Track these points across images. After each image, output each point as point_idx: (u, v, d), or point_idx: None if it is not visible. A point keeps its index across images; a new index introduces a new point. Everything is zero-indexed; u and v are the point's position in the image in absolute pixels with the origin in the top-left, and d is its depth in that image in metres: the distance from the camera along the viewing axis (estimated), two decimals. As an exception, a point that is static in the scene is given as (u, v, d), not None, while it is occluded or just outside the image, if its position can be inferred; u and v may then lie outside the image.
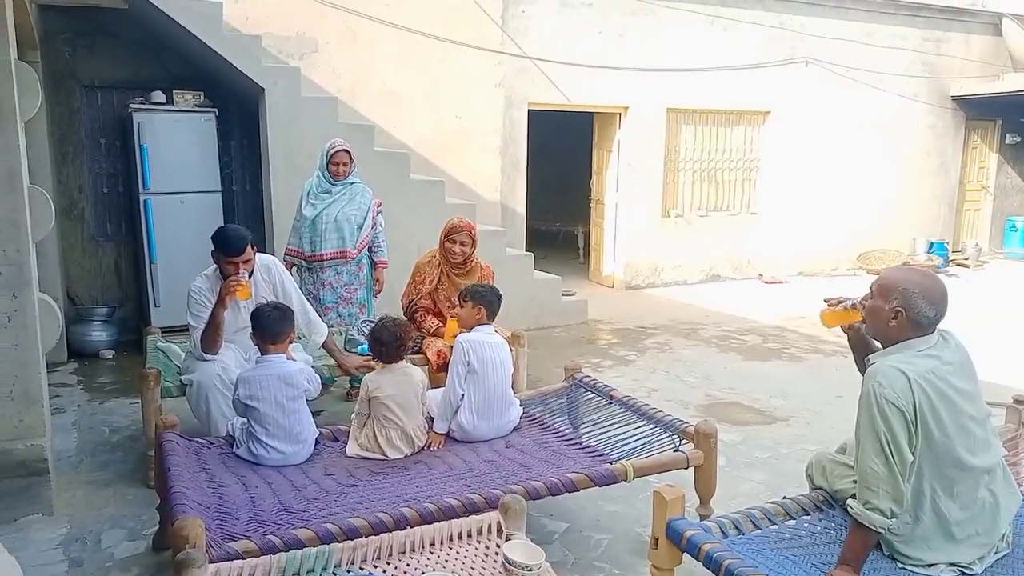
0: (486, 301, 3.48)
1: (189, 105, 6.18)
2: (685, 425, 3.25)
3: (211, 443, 3.22)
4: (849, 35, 9.91)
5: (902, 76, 10.45)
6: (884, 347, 2.41)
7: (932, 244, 10.91)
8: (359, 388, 5.08)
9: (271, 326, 3.22)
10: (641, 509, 3.56)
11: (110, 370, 5.83)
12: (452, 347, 4.09)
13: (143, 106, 6.01)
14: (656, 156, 8.99)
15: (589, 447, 3.27)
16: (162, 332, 4.90)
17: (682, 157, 9.29)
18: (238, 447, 3.17)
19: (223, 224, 6.23)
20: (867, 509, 2.20)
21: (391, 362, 3.28)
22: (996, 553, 2.35)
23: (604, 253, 9.28)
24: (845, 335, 2.68)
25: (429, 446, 3.30)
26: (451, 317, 4.10)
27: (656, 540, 2.39)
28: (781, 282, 9.66)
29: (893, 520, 2.21)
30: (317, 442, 3.31)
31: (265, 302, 3.43)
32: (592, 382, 3.85)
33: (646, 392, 5.22)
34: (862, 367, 2.64)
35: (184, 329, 5.25)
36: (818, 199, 10.13)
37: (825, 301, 2.69)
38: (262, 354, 3.20)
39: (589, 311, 7.48)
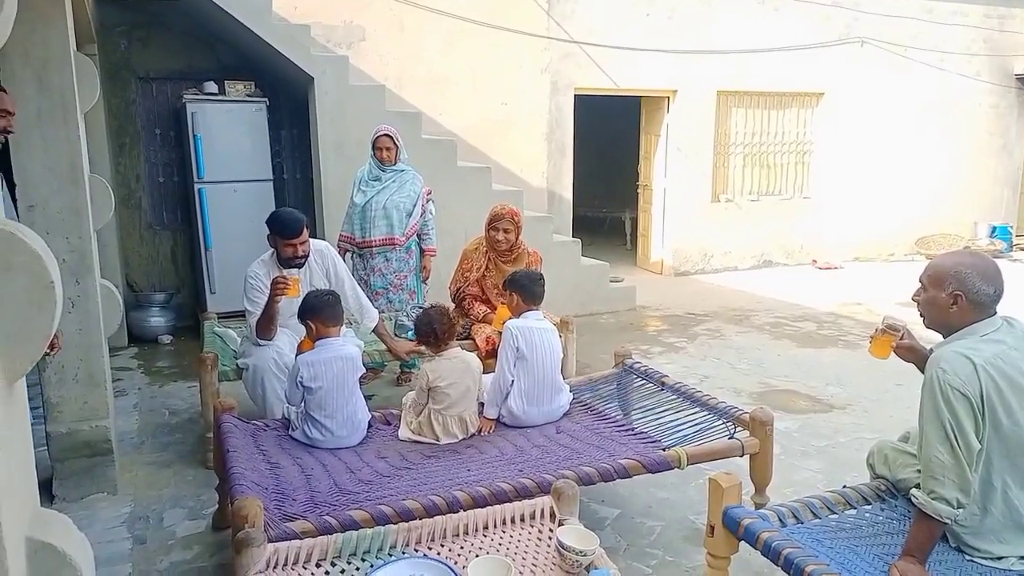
0: (518, 286, 3.48)
1: (240, 95, 6.27)
2: (740, 412, 3.20)
3: (267, 425, 3.27)
4: (906, 12, 9.58)
5: (963, 54, 10.08)
6: (946, 337, 2.33)
7: (995, 228, 10.53)
8: (409, 373, 5.19)
9: (331, 310, 3.26)
10: (693, 496, 3.53)
11: (168, 355, 5.98)
12: (501, 333, 4.13)
13: (196, 97, 6.12)
14: (706, 140, 8.84)
15: (641, 433, 3.23)
16: (218, 317, 5.01)
17: (732, 141, 9.12)
18: (293, 430, 3.22)
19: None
20: (932, 499, 2.14)
21: (442, 349, 3.29)
22: (1069, 546, 2.25)
23: (652, 239, 9.18)
24: (901, 359, 2.61)
25: (480, 431, 3.31)
26: (500, 304, 4.09)
27: (712, 528, 2.35)
28: (836, 268, 9.43)
29: (960, 510, 2.14)
30: (370, 425, 3.34)
31: (317, 288, 3.45)
32: (643, 368, 3.81)
33: (697, 379, 5.16)
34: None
35: (239, 315, 5.39)
36: (874, 183, 9.85)
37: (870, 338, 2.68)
38: (319, 338, 3.22)
39: (637, 297, 7.42)
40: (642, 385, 3.75)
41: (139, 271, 6.70)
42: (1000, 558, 2.21)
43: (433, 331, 3.25)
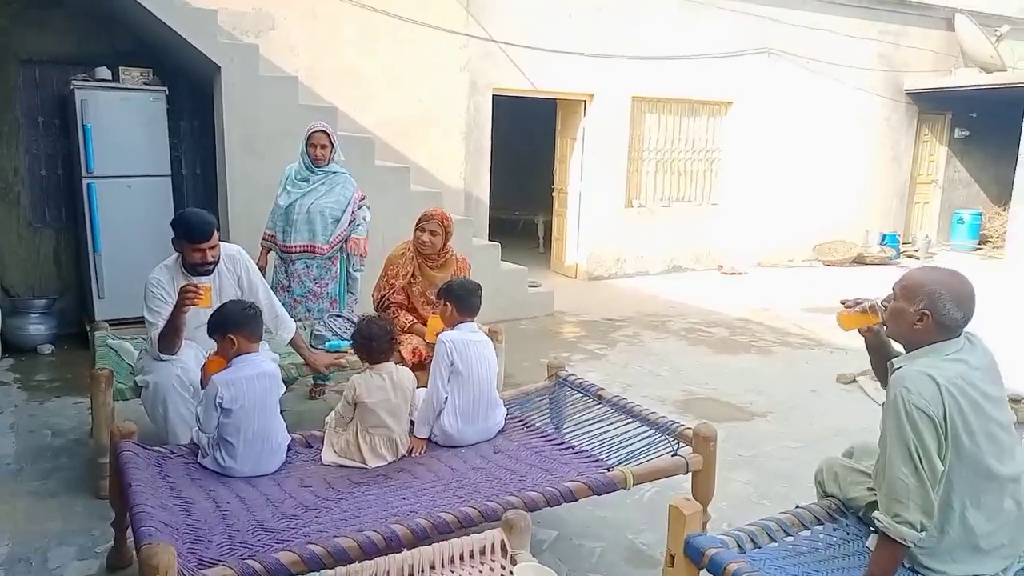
0: (454, 296, 3.29)
1: (137, 83, 5.79)
2: (682, 427, 3.11)
3: (173, 452, 2.94)
4: (811, 25, 9.92)
5: (861, 69, 10.54)
6: (908, 350, 2.29)
7: (884, 236, 11.08)
8: (323, 386, 4.88)
9: (255, 324, 2.97)
10: (632, 515, 3.42)
11: (50, 366, 5.44)
12: (432, 345, 3.91)
13: (87, 83, 5.60)
14: (620, 145, 8.87)
15: (582, 452, 3.10)
16: (110, 326, 4.56)
17: (645, 147, 9.19)
18: (203, 456, 2.91)
19: (178, 210, 5.89)
20: (896, 523, 2.08)
21: (379, 362, 3.05)
22: (1020, 563, 2.26)
23: (567, 243, 9.14)
24: (862, 336, 2.56)
25: (411, 452, 3.09)
26: (433, 314, 3.87)
27: (672, 557, 2.23)
28: (740, 273, 9.66)
29: (923, 533, 2.09)
30: (289, 448, 3.07)
31: (233, 299, 3.13)
32: (578, 381, 3.68)
33: (621, 387, 5.08)
34: (880, 370, 2.54)
35: (132, 322, 4.96)
36: (776, 191, 10.16)
37: (842, 303, 2.56)
38: (238, 354, 2.91)
39: (555, 303, 7.33)
40: (578, 399, 3.62)
41: (16, 273, 6.07)
42: (953, 578, 2.19)
43: (370, 347, 3.01)
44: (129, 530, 2.50)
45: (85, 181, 5.59)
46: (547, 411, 3.67)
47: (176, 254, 3.55)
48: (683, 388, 5.20)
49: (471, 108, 7.79)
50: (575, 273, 9.04)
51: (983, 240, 11.99)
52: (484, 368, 3.21)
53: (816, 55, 10.02)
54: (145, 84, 5.81)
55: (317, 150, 4.58)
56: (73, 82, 5.57)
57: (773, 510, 3.48)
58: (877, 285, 9.15)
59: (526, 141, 11.13)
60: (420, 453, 3.10)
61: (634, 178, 9.15)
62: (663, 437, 3.13)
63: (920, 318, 2.21)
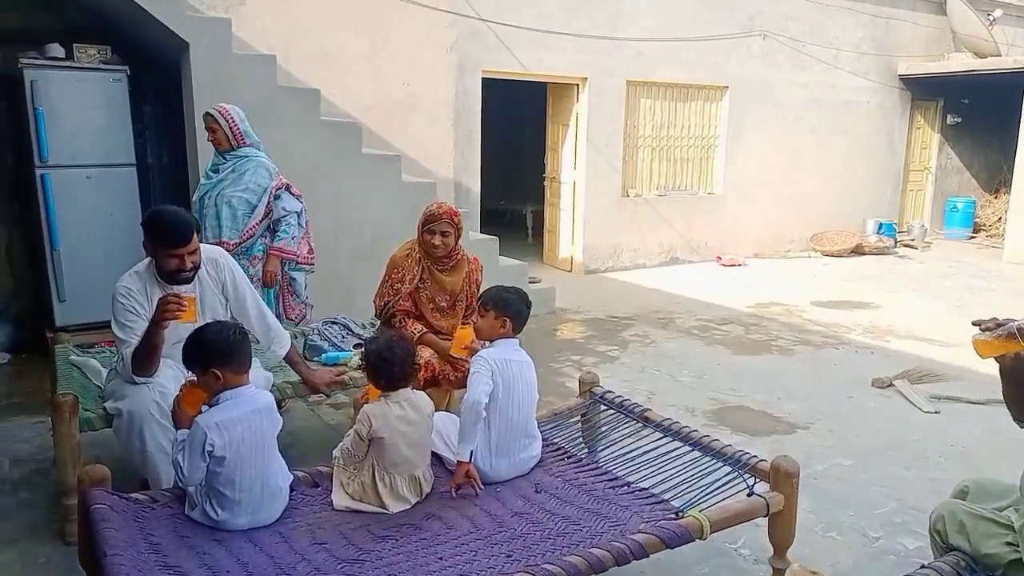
0: (513, 311, 2.81)
1: (94, 62, 5.16)
2: (755, 459, 2.68)
3: (155, 501, 2.43)
4: (804, 8, 9.55)
5: (854, 53, 10.23)
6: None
7: (881, 225, 10.81)
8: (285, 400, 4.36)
9: (242, 353, 2.43)
10: (689, 555, 2.98)
11: (6, 378, 4.87)
12: (455, 359, 3.44)
13: (36, 62, 4.96)
14: (616, 132, 8.43)
15: (638, 489, 2.64)
16: (71, 335, 4.01)
17: (641, 134, 8.75)
18: (191, 508, 2.40)
19: (145, 204, 5.33)
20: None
21: (397, 388, 2.56)
22: None
23: (560, 235, 8.68)
24: (998, 364, 2.12)
25: (458, 488, 2.58)
26: (463, 325, 3.39)
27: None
28: (739, 264, 9.30)
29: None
30: (292, 488, 2.58)
31: (212, 320, 2.59)
32: (617, 399, 3.23)
33: (643, 396, 4.66)
34: (1018, 400, 2.12)
35: (100, 327, 4.37)
36: (772, 179, 9.82)
37: (975, 324, 2.12)
38: (224, 389, 2.40)
39: (555, 299, 6.89)
40: (617, 419, 3.17)
41: (-37, 274, 5.45)
42: None
43: (391, 373, 2.52)
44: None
45: (39, 171, 4.98)
46: (582, 436, 3.22)
47: (148, 259, 3.01)
48: (710, 395, 4.78)
49: (460, 92, 7.26)
50: (570, 266, 8.59)
51: (977, 228, 11.80)
52: (526, 394, 2.74)
53: (809, 39, 9.66)
54: (103, 63, 5.19)
55: (208, 135, 4.05)
56: (21, 61, 4.93)
57: (846, 545, 3.10)
58: (880, 276, 8.96)
59: (513, 127, 10.64)
60: (469, 483, 2.58)
61: (630, 166, 8.72)
62: (731, 470, 2.69)
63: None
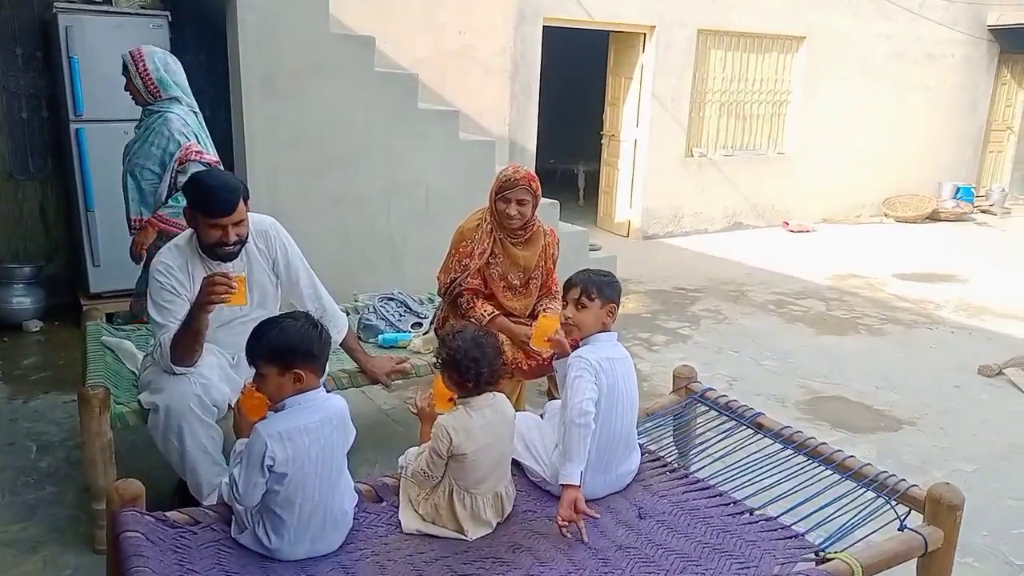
0: (619, 297, 2.39)
1: (133, 6, 4.76)
2: (907, 485, 2.24)
3: (196, 523, 2.07)
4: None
5: (943, 1, 9.39)
6: None
7: (959, 189, 10.08)
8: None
9: (326, 351, 2.06)
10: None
11: (38, 348, 4.57)
12: (527, 352, 3.03)
13: (71, 6, 4.58)
14: (683, 86, 7.83)
15: (766, 519, 2.22)
16: (105, 303, 3.64)
17: (709, 88, 8.13)
18: (240, 531, 2.04)
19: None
20: None
21: (482, 393, 2.16)
22: None
23: (617, 197, 8.16)
24: None
25: (567, 523, 2.08)
26: (545, 314, 2.97)
27: None
28: (808, 231, 8.71)
29: None
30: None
31: (291, 314, 2.18)
32: (721, 399, 2.80)
33: (725, 383, 4.22)
34: None
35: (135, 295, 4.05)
36: (845, 138, 9.13)
37: None
38: (298, 392, 2.00)
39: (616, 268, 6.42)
40: (719, 423, 2.74)
41: (-4, 234, 5.16)
42: None
43: (478, 375, 2.11)
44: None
45: (73, 126, 4.62)
46: (669, 437, 2.81)
47: (189, 230, 2.63)
48: (799, 383, 4.32)
49: (518, 41, 6.74)
50: (627, 231, 8.09)
51: (1062, 194, 10.98)
52: (629, 399, 2.32)
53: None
54: (143, 8, 4.79)
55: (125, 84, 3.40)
56: (55, 5, 4.55)
57: (986, 574, 2.66)
58: (961, 246, 8.29)
59: (567, 81, 10.03)
60: (580, 513, 2.10)
61: (695, 123, 8.12)
62: (875, 495, 2.25)
63: None
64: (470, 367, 2.10)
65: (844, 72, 8.82)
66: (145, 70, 3.34)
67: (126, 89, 3.43)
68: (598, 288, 2.32)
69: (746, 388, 4.19)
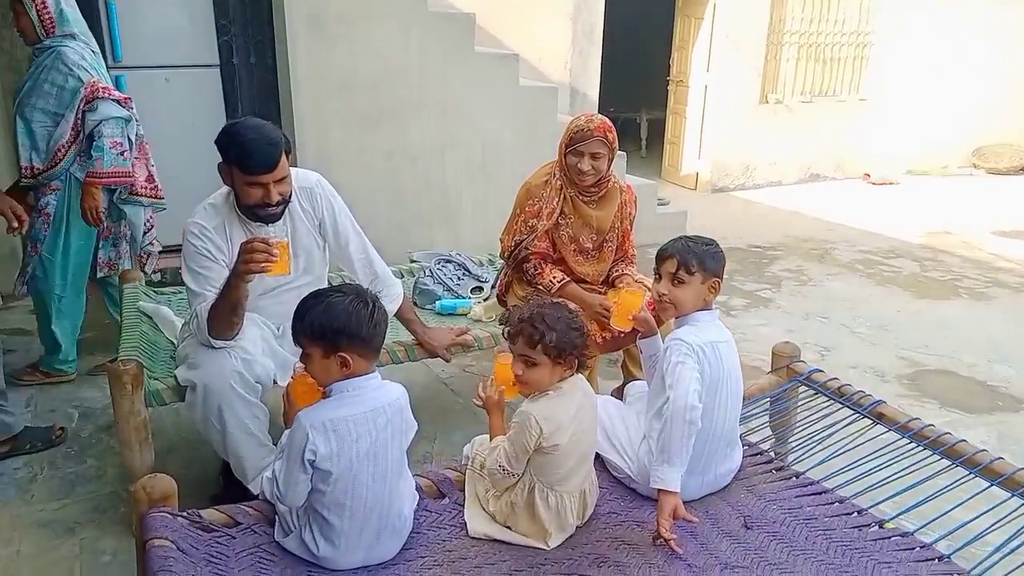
0: (723, 269, 2.02)
1: (169, -54, 4.46)
2: (1061, 492, 1.85)
3: (235, 524, 1.81)
4: None
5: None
6: None
7: (1058, 137, 9.24)
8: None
9: (381, 334, 1.74)
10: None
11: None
12: (603, 315, 2.67)
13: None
14: (760, 27, 7.23)
15: (901, 535, 1.86)
16: (146, 280, 3.35)
17: (787, 29, 7.49)
18: (284, 534, 1.78)
19: (231, 110, 4.69)
20: None
21: (569, 374, 1.84)
22: None
23: (684, 147, 7.66)
24: None
25: (662, 538, 1.77)
26: (628, 288, 2.61)
27: None
28: (891, 183, 8.08)
29: None
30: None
31: (339, 288, 1.87)
32: (832, 383, 2.42)
33: (816, 354, 3.82)
34: None
35: (177, 251, 3.80)
36: (933, 83, 8.38)
37: None
38: (347, 377, 1.71)
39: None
40: (828, 410, 2.37)
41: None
42: None
43: (560, 354, 1.79)
44: None
45: (112, 73, 4.34)
46: (766, 424, 2.46)
47: (226, 188, 2.33)
48: (900, 354, 3.89)
49: (581, -21, 6.24)
50: (695, 184, 7.60)
51: None
52: (733, 388, 1.97)
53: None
54: (181, -55, 4.47)
55: (13, 22, 3.05)
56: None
57: None
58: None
59: (632, 22, 9.43)
60: (675, 521, 1.79)
61: (771, 67, 7.51)
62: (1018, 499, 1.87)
63: None
64: (567, 350, 1.77)
65: (932, 11, 8.04)
66: (43, 1, 2.96)
67: (15, 26, 3.06)
68: (699, 260, 1.96)
69: (840, 360, 3.79)
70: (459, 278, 3.28)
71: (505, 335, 1.88)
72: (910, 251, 5.68)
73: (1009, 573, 1.71)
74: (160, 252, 3.66)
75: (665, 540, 1.76)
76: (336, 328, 1.65)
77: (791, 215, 6.70)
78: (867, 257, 5.51)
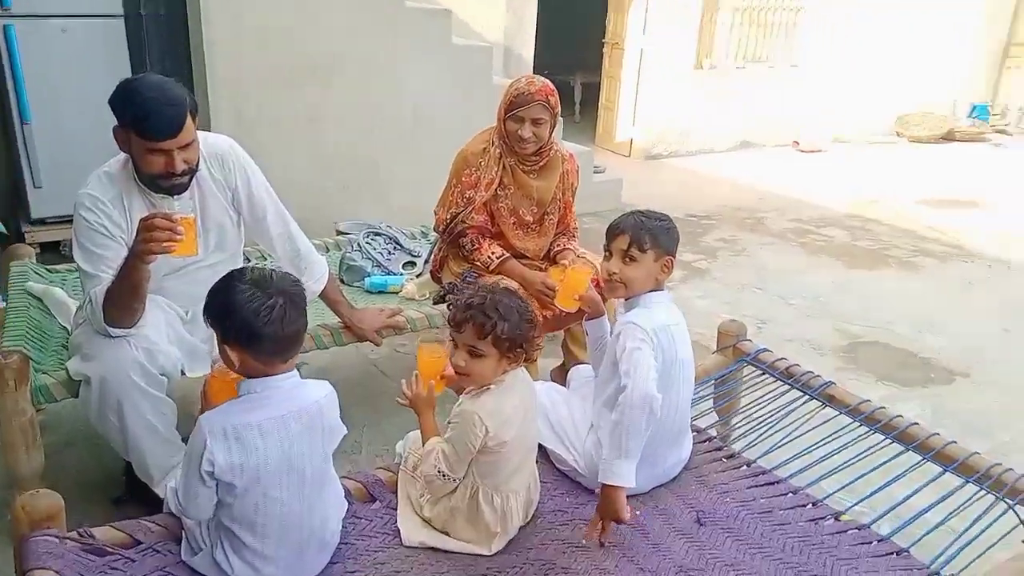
0: (676, 246, 1.89)
1: None
2: (1011, 474, 1.81)
3: (135, 544, 1.59)
4: None
5: None
6: None
7: (974, 107, 9.52)
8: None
9: (286, 341, 1.49)
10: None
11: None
12: (545, 293, 2.52)
13: None
14: (696, -12, 7.11)
15: (857, 527, 1.78)
16: (48, 230, 3.01)
17: (724, -10, 7.41)
18: (192, 552, 1.58)
19: (135, 66, 4.29)
20: None
21: (513, 367, 1.68)
22: None
23: (619, 112, 7.53)
24: None
25: (605, 526, 1.68)
26: (573, 266, 2.43)
27: None
28: (819, 151, 8.16)
29: None
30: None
31: (248, 265, 1.64)
32: (780, 363, 2.34)
33: (753, 326, 3.76)
34: None
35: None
36: (858, 51, 8.45)
37: None
38: (250, 373, 1.50)
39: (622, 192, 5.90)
40: (775, 391, 2.29)
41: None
42: None
43: (512, 347, 1.62)
44: None
45: (1, 22, 3.93)
46: (710, 408, 2.38)
47: (123, 155, 2.06)
48: (835, 326, 3.88)
49: (515, -66, 5.98)
50: (628, 150, 7.50)
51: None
52: (686, 374, 1.86)
53: None
54: None
55: None
56: None
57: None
58: (984, 169, 7.80)
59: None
60: (624, 519, 1.67)
61: (707, 32, 7.42)
62: (984, 492, 1.83)
63: None
64: (517, 340, 1.61)
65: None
66: None
67: None
68: (652, 236, 1.81)
69: (777, 332, 3.76)
70: (390, 252, 3.07)
71: (450, 322, 1.71)
72: (839, 220, 5.72)
73: (970, 563, 1.65)
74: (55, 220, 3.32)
75: (600, 532, 1.65)
76: (227, 316, 1.44)
77: (724, 183, 6.67)
78: (798, 226, 5.52)
